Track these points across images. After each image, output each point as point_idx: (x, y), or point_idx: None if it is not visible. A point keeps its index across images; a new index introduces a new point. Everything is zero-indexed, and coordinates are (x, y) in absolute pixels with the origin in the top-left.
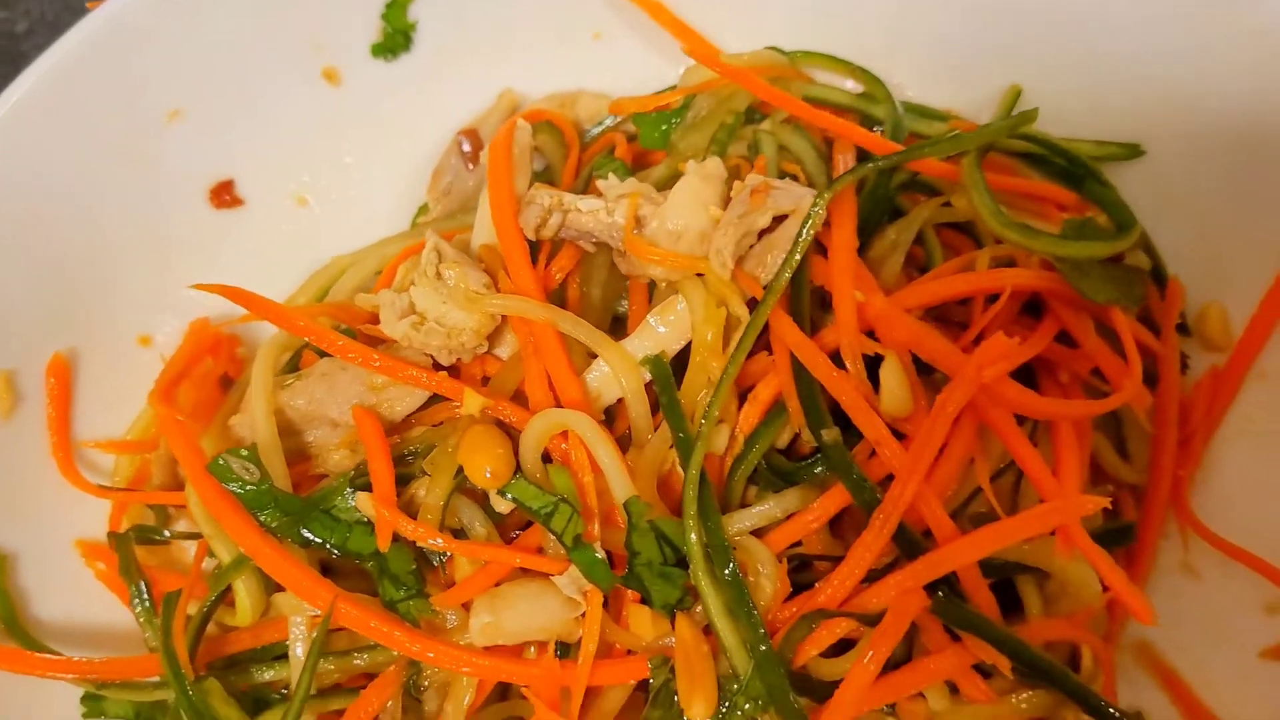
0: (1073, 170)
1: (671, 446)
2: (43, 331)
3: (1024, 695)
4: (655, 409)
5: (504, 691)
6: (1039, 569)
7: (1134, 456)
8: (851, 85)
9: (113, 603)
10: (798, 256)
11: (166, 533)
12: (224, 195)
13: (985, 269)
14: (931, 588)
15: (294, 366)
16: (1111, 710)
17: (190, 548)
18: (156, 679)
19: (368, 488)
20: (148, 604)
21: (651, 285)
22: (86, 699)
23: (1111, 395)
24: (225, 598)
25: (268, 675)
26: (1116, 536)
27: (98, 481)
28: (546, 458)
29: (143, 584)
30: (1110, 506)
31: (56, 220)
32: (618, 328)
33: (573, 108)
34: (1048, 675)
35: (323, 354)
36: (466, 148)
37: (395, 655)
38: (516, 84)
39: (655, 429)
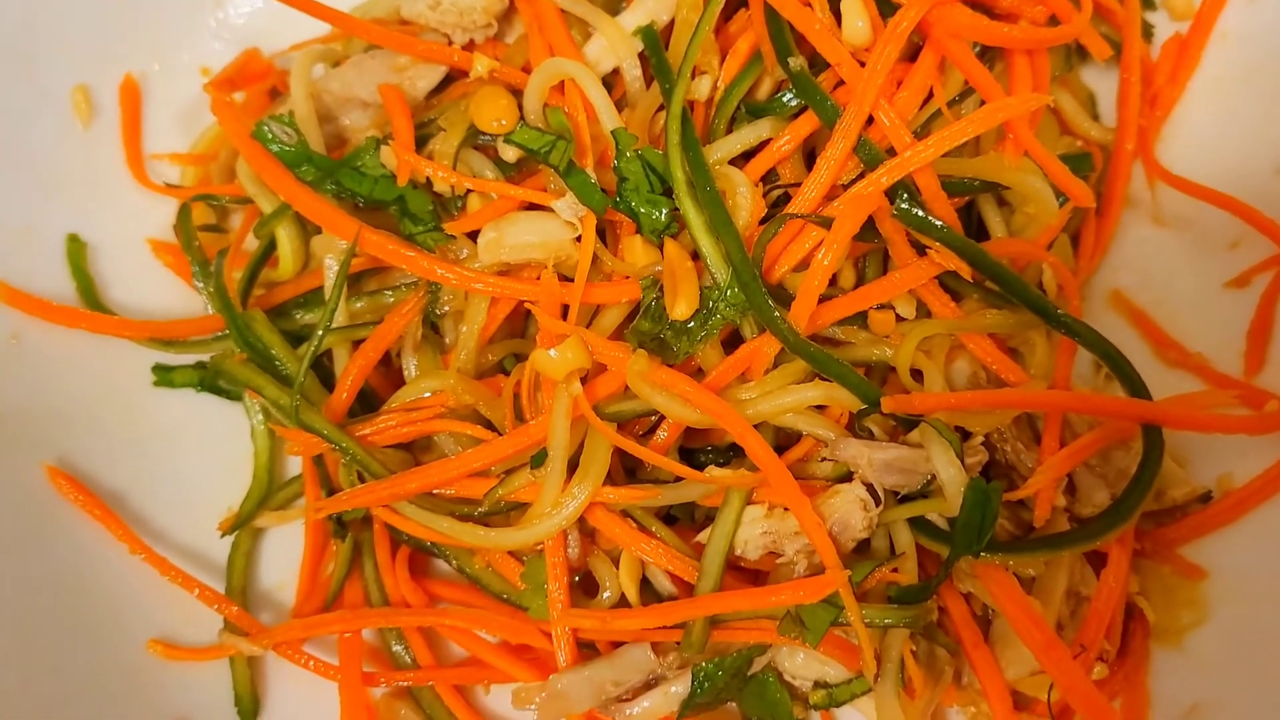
0: None
1: (660, 109)
2: (113, 52)
3: (989, 313)
4: (650, 82)
5: (510, 331)
6: (997, 186)
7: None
8: None
9: (177, 293)
10: None
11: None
12: None
13: None
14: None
15: None
16: (1055, 313)
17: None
18: (217, 334)
19: None
20: (205, 268)
21: None
22: (156, 369)
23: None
24: (270, 259)
25: (307, 317)
26: (1076, 163)
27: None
28: None
29: (199, 248)
30: (1051, 104)
31: None
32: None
33: None
34: (1009, 286)
35: None
36: None
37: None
38: None
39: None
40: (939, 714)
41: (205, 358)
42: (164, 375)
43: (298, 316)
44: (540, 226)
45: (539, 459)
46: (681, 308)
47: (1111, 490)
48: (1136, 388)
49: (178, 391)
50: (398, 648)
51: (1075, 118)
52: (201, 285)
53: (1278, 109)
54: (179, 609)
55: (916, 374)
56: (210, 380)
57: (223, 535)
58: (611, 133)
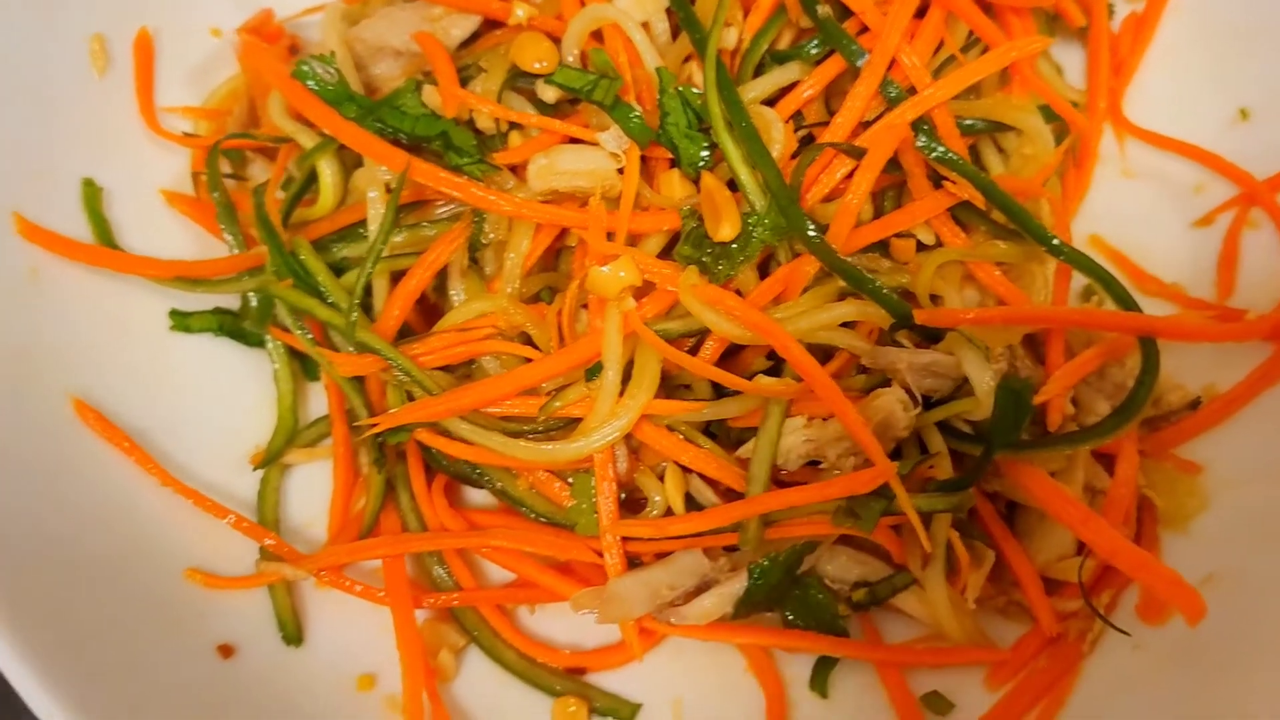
0: None
1: (688, 59)
2: (127, 6)
3: (997, 244)
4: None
5: (541, 266)
6: (1003, 125)
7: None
8: None
9: (189, 239)
10: None
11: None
12: None
13: None
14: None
15: None
16: (1056, 243)
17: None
18: (241, 273)
19: None
20: (229, 212)
21: None
22: (173, 314)
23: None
24: (303, 199)
25: (345, 252)
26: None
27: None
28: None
29: (225, 192)
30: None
31: None
32: None
33: None
34: (1017, 217)
35: None
36: None
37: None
38: None
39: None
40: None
41: (223, 302)
42: (180, 320)
43: (335, 250)
44: (588, 158)
45: (594, 372)
46: (726, 229)
47: (1110, 402)
48: (1130, 304)
49: (193, 336)
50: (439, 571)
51: (1053, 79)
52: (225, 228)
53: (1226, 69)
54: (211, 540)
55: (932, 299)
56: (231, 324)
57: (255, 469)
58: (656, 70)
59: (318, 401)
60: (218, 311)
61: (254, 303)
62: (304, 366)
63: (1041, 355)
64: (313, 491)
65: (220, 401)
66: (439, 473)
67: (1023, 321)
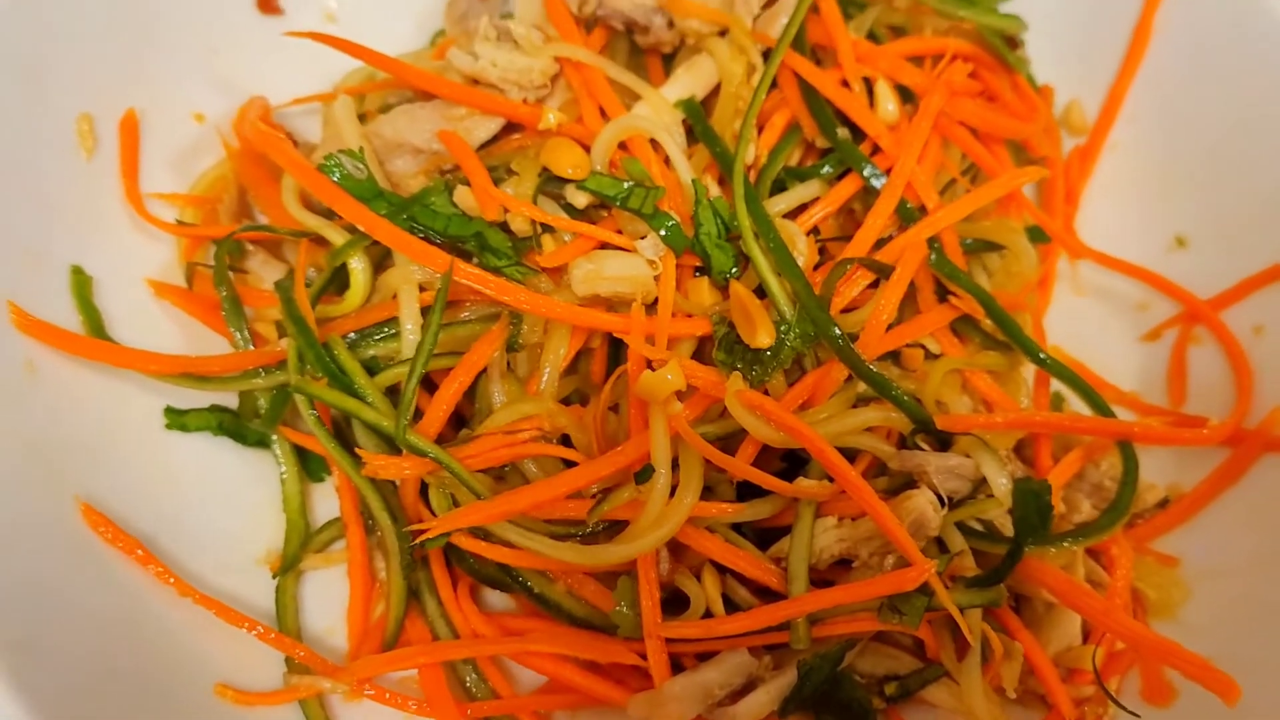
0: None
1: (705, 168)
2: (114, 85)
3: (989, 353)
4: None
5: (572, 366)
6: (994, 245)
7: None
8: None
9: (178, 331)
10: (803, 10)
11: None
12: (270, 2)
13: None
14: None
15: None
16: (1044, 357)
17: (264, 274)
18: (244, 371)
19: None
20: (236, 307)
21: (664, 59)
22: (169, 412)
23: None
24: (324, 294)
25: (371, 351)
26: (1037, 233)
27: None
28: None
29: (231, 287)
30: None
31: None
32: None
33: None
34: (1009, 330)
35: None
36: None
37: (490, 325)
38: None
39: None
40: None
41: (220, 399)
42: (176, 419)
43: (361, 349)
44: (628, 264)
45: (644, 475)
46: (763, 337)
47: (1090, 500)
48: (1105, 411)
49: (186, 435)
50: (472, 678)
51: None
52: (232, 324)
53: (1161, 202)
54: (234, 650)
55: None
56: (230, 423)
57: (274, 577)
58: (691, 182)
59: (320, 502)
60: (215, 409)
61: (261, 400)
62: (307, 466)
63: (1025, 457)
64: (327, 597)
65: (222, 502)
66: (463, 576)
67: (1026, 427)
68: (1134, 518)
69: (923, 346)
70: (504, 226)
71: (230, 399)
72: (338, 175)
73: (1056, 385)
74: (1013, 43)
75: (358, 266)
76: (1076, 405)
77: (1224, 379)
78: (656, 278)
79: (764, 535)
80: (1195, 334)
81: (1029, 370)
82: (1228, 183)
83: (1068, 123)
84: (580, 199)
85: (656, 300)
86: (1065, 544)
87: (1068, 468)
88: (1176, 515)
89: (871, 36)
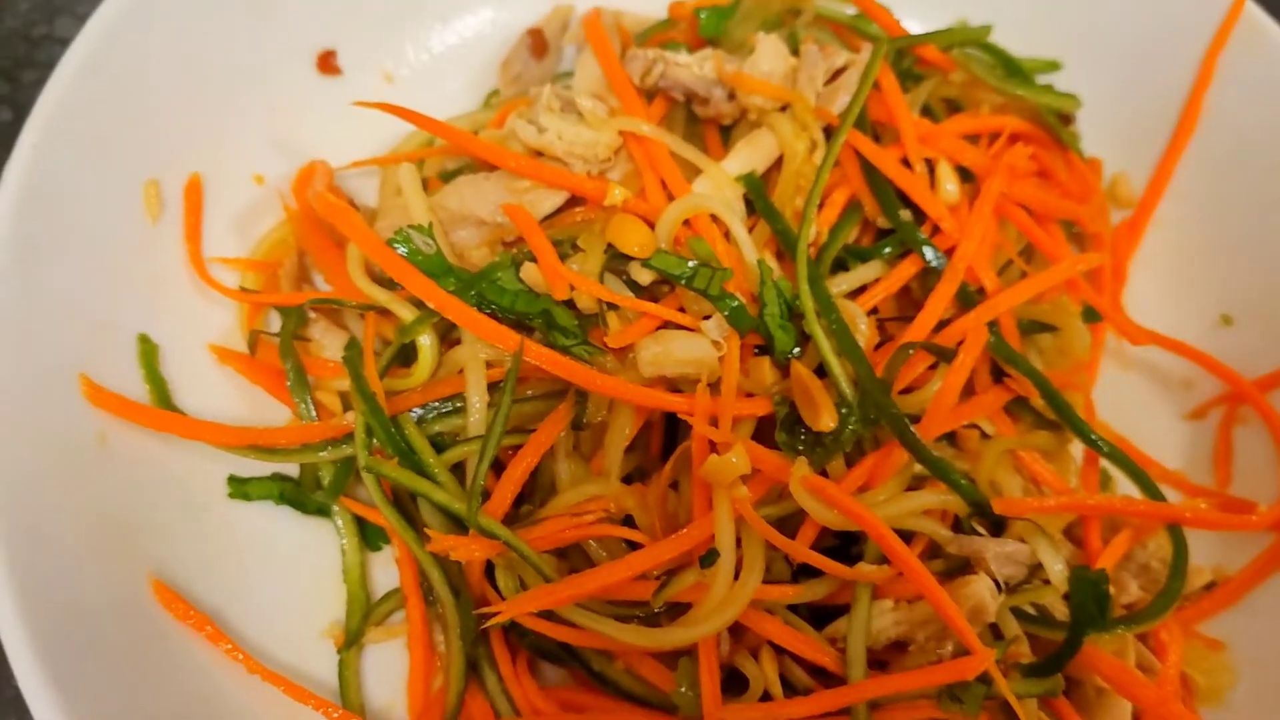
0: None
1: (764, 244)
2: (179, 150)
3: (1041, 434)
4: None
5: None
6: (1048, 326)
7: None
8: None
9: (240, 398)
10: (867, 88)
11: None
12: (329, 62)
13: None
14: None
15: None
16: (1096, 439)
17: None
18: (310, 444)
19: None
20: (301, 377)
21: (723, 130)
22: (232, 481)
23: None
24: (390, 369)
25: (436, 427)
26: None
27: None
28: None
29: (297, 357)
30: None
31: (190, 52)
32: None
33: (619, 16)
34: (1062, 411)
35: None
36: (532, 43)
37: (554, 403)
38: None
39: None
40: None
41: (282, 469)
42: (239, 487)
43: (426, 425)
44: (693, 345)
45: (709, 559)
46: (827, 420)
47: (1138, 582)
48: (1156, 495)
49: (251, 503)
50: None
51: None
52: (297, 396)
53: (1206, 280)
54: None
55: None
56: (291, 492)
57: (339, 652)
58: (756, 263)
59: (377, 570)
60: (276, 478)
61: (323, 471)
62: (365, 535)
63: (1075, 536)
64: (386, 669)
65: (283, 573)
66: (521, 649)
67: (1081, 510)
68: (1182, 600)
69: (977, 427)
70: (569, 303)
71: (292, 467)
72: (405, 250)
73: (1103, 461)
74: (1066, 119)
75: (426, 343)
76: (1123, 482)
77: (1270, 460)
78: (721, 358)
79: (817, 612)
80: (1240, 414)
81: (1077, 447)
82: (1274, 263)
83: (1114, 196)
84: (645, 276)
85: (718, 378)
86: (1119, 630)
87: (1116, 549)
88: (1223, 598)
89: (926, 110)
